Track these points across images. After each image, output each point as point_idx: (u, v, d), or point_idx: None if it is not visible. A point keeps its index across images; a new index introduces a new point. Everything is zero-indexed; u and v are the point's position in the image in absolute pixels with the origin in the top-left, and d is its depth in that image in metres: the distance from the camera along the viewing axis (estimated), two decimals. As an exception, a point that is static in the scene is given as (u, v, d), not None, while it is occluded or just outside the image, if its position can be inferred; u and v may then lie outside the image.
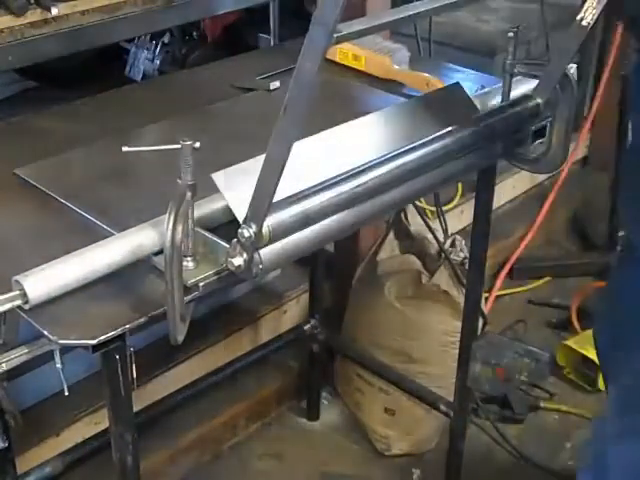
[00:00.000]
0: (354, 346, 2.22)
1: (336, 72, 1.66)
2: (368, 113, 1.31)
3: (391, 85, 1.60)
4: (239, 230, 0.99)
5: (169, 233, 0.95)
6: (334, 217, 1.11)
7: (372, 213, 1.16)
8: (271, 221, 1.00)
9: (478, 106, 1.38)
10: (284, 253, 1.05)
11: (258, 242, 0.99)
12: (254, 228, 0.98)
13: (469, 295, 1.78)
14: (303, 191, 1.06)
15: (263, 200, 0.97)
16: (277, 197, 1.00)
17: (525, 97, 1.35)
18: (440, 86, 1.56)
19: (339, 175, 1.10)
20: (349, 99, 1.58)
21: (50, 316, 0.99)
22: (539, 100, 1.33)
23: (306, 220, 1.05)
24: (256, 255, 1.01)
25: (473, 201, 1.69)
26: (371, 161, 1.15)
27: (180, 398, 1.99)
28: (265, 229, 0.99)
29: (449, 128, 1.26)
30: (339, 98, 1.57)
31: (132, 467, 1.14)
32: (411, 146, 1.19)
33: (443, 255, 2.18)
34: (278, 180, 0.95)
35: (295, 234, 1.06)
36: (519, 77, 1.38)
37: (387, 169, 1.14)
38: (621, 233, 2.64)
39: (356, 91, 1.60)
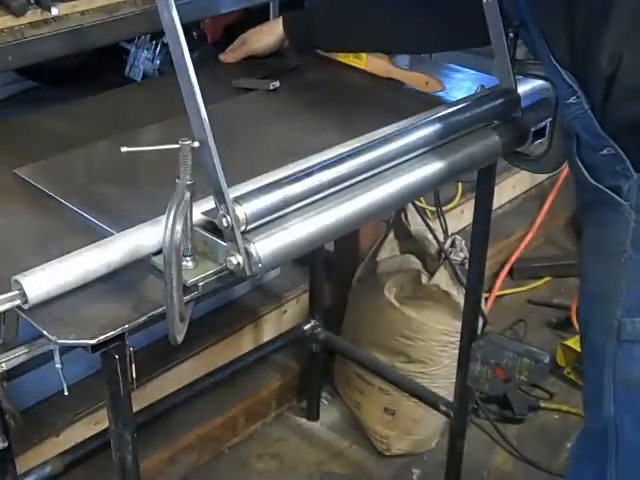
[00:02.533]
0: (354, 346, 2.22)
1: (337, 71, 1.66)
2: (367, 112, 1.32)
3: (391, 84, 1.60)
4: (217, 220, 1.01)
5: (168, 233, 0.95)
6: (333, 214, 1.11)
7: (370, 210, 1.16)
8: (246, 205, 1.03)
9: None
10: (283, 251, 1.05)
11: (237, 224, 1.00)
12: (225, 210, 1.00)
13: (469, 295, 1.78)
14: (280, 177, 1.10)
15: (215, 177, 0.99)
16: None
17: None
18: (439, 86, 1.56)
19: (316, 164, 1.13)
20: (349, 98, 1.58)
21: (49, 316, 0.99)
22: (511, 88, 1.36)
23: (285, 202, 1.07)
24: (254, 252, 1.01)
25: (473, 201, 1.69)
26: (350, 150, 1.17)
27: (180, 398, 1.99)
28: (241, 213, 1.01)
29: (426, 116, 1.29)
30: (340, 97, 1.57)
31: (132, 467, 1.14)
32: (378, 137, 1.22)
33: (443, 255, 2.18)
34: (214, 148, 0.97)
35: (293, 232, 1.06)
36: (519, 77, 1.38)
37: (366, 155, 1.18)
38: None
39: (356, 90, 1.60)
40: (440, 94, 1.55)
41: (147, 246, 1.06)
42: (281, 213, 1.07)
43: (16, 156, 1.32)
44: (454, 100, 1.45)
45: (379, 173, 1.19)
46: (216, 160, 0.98)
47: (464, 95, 1.52)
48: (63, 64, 1.78)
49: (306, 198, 1.10)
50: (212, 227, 1.06)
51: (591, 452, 1.36)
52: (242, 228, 1.02)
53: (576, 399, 2.42)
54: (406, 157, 1.22)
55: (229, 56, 1.70)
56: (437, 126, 1.27)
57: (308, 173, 1.11)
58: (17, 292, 0.98)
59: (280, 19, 1.67)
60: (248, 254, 1.02)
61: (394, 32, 1.56)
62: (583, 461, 1.39)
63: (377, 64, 1.63)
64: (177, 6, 1.60)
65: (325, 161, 1.14)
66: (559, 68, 1.16)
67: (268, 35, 1.67)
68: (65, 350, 1.06)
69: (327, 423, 2.33)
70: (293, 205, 1.08)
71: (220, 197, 1.00)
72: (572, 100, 1.16)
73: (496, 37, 1.32)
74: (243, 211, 1.02)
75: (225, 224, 1.00)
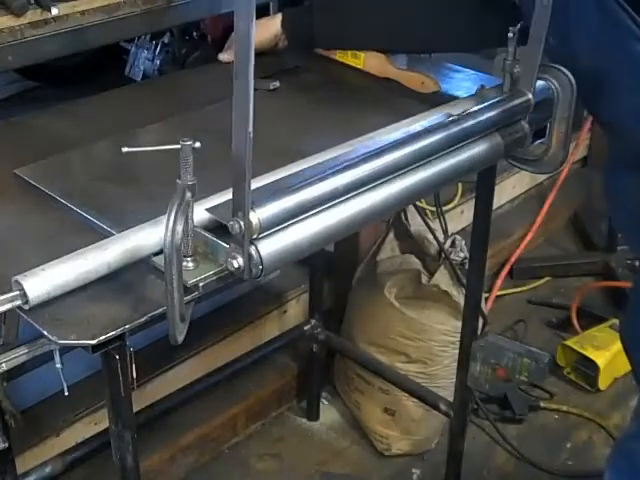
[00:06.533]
0: (354, 346, 2.22)
1: (336, 70, 1.66)
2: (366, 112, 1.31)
3: (389, 84, 1.61)
4: (229, 224, 0.99)
5: (169, 233, 0.95)
6: (334, 216, 1.11)
7: (372, 213, 1.16)
8: (260, 212, 1.01)
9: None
10: (284, 254, 1.05)
11: (250, 233, 0.99)
12: (241, 218, 0.98)
13: (469, 295, 1.78)
14: (293, 181, 1.08)
15: (241, 186, 0.97)
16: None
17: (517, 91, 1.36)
18: (434, 86, 1.57)
19: (331, 166, 1.12)
20: (348, 98, 1.58)
21: (50, 316, 0.99)
22: (528, 93, 1.34)
23: (298, 210, 1.06)
24: (255, 254, 1.01)
25: (473, 201, 1.69)
26: (365, 153, 1.16)
27: (180, 398, 1.99)
28: (255, 220, 1.00)
29: (443, 119, 1.27)
30: (339, 97, 1.57)
31: (132, 467, 1.14)
32: (394, 140, 1.20)
33: (443, 255, 2.18)
34: (250, 157, 0.95)
35: (295, 235, 1.06)
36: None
37: (383, 160, 1.16)
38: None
39: (355, 90, 1.61)
40: (437, 94, 1.56)
41: (147, 246, 1.06)
42: (293, 221, 1.06)
43: (16, 156, 1.32)
44: (450, 101, 1.45)
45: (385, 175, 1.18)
46: (248, 172, 0.96)
47: (462, 95, 1.52)
48: (63, 64, 1.78)
49: (318, 206, 1.09)
50: (213, 227, 1.06)
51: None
52: (254, 235, 1.01)
53: (576, 399, 2.42)
54: (418, 164, 1.22)
55: (227, 55, 1.70)
56: (452, 130, 1.25)
57: (320, 178, 1.09)
58: (18, 292, 0.98)
59: (278, 15, 1.67)
60: (249, 256, 1.01)
61: (394, 31, 1.56)
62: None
63: (374, 64, 1.63)
64: (177, 6, 1.61)
65: (336, 166, 1.12)
66: None
67: (264, 30, 1.67)
68: (65, 350, 1.06)
69: (327, 423, 2.33)
70: (306, 213, 1.07)
71: (240, 204, 0.98)
72: None
73: (536, 39, 1.29)
74: (257, 217, 1.01)
75: (238, 230, 0.99)
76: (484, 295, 2.18)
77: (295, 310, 2.33)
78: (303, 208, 1.07)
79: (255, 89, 1.55)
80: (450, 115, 1.30)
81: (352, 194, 1.14)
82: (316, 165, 1.16)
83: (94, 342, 0.97)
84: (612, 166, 1.38)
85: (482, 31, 1.33)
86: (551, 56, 1.33)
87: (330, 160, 1.16)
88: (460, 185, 2.74)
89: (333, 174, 1.11)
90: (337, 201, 1.12)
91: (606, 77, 1.26)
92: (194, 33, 2.06)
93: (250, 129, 0.93)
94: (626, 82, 1.25)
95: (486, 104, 1.33)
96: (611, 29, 1.22)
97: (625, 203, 1.38)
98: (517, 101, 1.34)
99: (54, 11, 1.42)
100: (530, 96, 1.34)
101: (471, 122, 1.28)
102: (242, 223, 0.98)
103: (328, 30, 1.62)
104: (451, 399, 1.92)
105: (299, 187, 1.07)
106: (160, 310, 1.01)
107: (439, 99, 1.51)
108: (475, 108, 1.31)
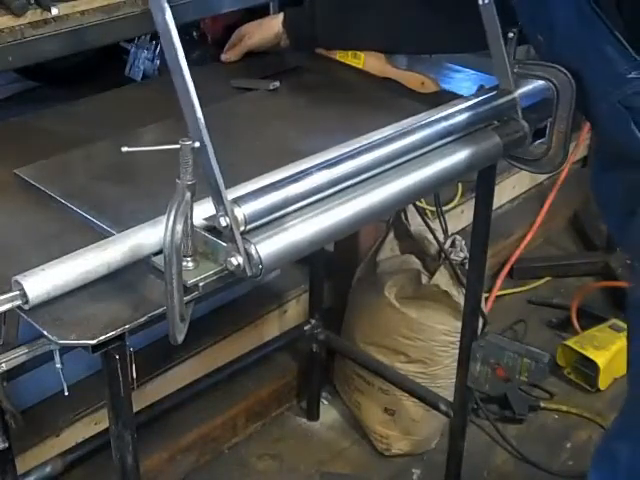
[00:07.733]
0: (354, 346, 2.22)
1: (336, 71, 1.66)
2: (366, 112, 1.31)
3: (389, 84, 1.61)
4: (215, 221, 1.01)
5: (168, 233, 0.95)
6: (334, 215, 1.11)
7: (371, 212, 1.16)
8: (245, 206, 1.03)
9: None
10: (284, 253, 1.05)
11: (237, 225, 1.00)
12: (223, 211, 0.99)
13: (469, 295, 1.78)
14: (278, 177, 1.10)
15: (213, 178, 0.98)
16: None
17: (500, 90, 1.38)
18: (434, 86, 1.57)
19: (316, 164, 1.13)
20: (348, 98, 1.58)
21: (50, 316, 0.99)
22: (511, 90, 1.36)
23: (283, 202, 1.07)
24: (254, 253, 1.01)
25: (473, 201, 1.69)
26: (349, 150, 1.17)
27: (180, 398, 1.99)
28: (239, 212, 1.01)
29: (431, 116, 1.29)
30: (339, 97, 1.57)
31: (132, 467, 1.14)
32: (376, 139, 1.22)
33: (443, 255, 2.18)
34: (211, 148, 0.97)
35: (294, 234, 1.06)
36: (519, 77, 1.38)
37: (362, 158, 1.17)
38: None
39: (355, 90, 1.61)
40: (437, 94, 1.56)
41: (147, 246, 1.06)
42: (281, 213, 1.07)
43: (16, 156, 1.33)
44: (450, 101, 1.45)
45: (378, 174, 1.18)
46: (213, 161, 0.98)
47: (462, 95, 1.52)
48: (63, 64, 1.78)
49: (306, 199, 1.10)
50: (213, 227, 1.06)
51: None
52: (241, 228, 1.02)
53: (576, 399, 2.42)
54: (405, 158, 1.22)
55: (230, 54, 1.70)
56: (434, 128, 1.26)
57: (308, 173, 1.11)
58: (18, 292, 0.98)
59: (280, 15, 1.67)
60: (249, 255, 1.01)
61: (395, 32, 1.56)
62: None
63: (375, 64, 1.64)
64: (177, 6, 1.61)
65: (325, 162, 1.14)
66: (624, 43, 1.18)
67: (266, 29, 1.68)
68: (65, 350, 1.07)
69: (327, 423, 2.33)
70: (292, 205, 1.08)
71: (218, 197, 1.00)
72: (634, 75, 1.19)
73: (493, 38, 1.32)
74: (242, 212, 1.02)
75: (224, 224, 1.00)
76: (484, 295, 2.18)
77: (295, 310, 2.33)
78: (289, 200, 1.07)
79: (255, 89, 1.58)
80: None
81: (351, 194, 1.14)
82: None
83: (94, 342, 0.97)
84: (596, 166, 1.39)
85: (482, 33, 1.33)
86: (543, 56, 1.34)
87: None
88: (460, 185, 2.74)
89: (318, 169, 1.12)
90: (337, 201, 1.13)
91: (584, 78, 1.28)
92: (194, 33, 2.06)
93: (199, 115, 0.96)
94: (601, 84, 1.26)
95: (468, 101, 1.34)
96: (586, 30, 1.23)
97: (609, 203, 1.38)
98: (500, 98, 1.35)
99: (54, 11, 1.42)
100: (515, 94, 1.35)
101: (453, 118, 1.29)
102: (227, 217, 0.99)
103: (329, 30, 1.63)
104: (451, 399, 1.92)
105: (284, 181, 1.09)
106: (160, 310, 1.01)
107: (439, 99, 1.51)
108: (458, 106, 1.32)
